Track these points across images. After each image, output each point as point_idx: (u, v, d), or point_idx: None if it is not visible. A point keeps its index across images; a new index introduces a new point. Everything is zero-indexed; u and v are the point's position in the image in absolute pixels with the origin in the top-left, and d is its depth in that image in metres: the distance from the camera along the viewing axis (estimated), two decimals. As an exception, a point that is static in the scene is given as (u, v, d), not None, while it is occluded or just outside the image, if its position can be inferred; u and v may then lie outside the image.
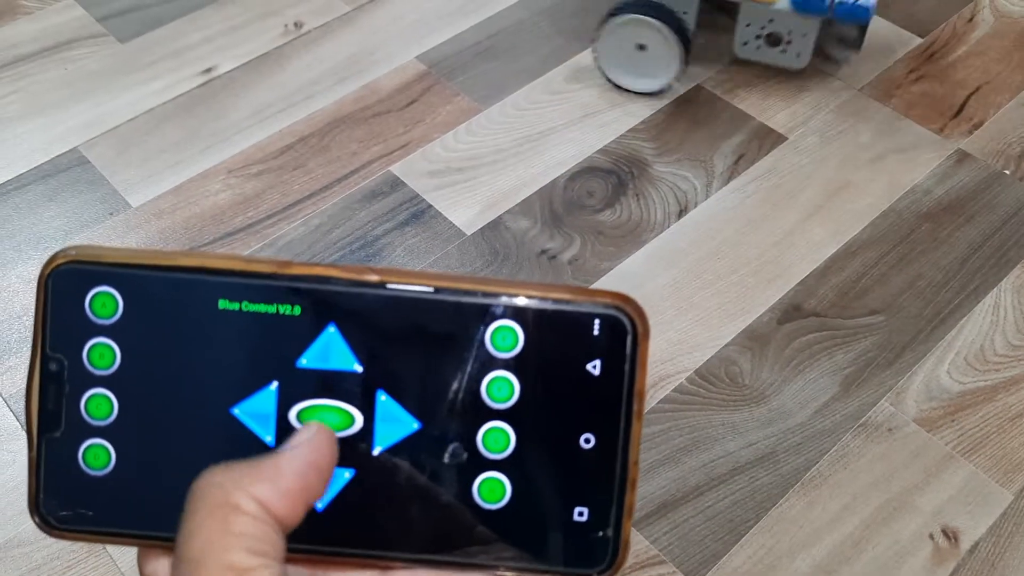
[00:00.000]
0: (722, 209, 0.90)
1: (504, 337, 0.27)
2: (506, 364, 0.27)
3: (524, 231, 0.89)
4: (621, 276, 0.85)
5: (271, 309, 0.27)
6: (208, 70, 1.03)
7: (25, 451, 0.73)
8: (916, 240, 0.88)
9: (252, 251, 0.87)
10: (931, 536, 0.70)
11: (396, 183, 0.93)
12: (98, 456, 0.27)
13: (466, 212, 0.90)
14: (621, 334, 0.27)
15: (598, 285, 0.84)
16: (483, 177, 0.93)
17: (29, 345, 0.79)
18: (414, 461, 0.27)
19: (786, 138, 0.96)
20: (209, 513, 0.24)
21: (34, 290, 0.83)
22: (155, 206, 0.90)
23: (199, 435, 0.27)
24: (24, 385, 0.76)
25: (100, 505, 0.28)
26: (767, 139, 0.96)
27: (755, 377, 0.78)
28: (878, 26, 1.08)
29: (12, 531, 0.69)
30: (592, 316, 0.27)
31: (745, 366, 0.79)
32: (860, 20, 0.92)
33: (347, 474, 0.27)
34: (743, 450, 0.74)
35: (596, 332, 0.27)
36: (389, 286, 0.27)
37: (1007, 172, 0.93)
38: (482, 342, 0.27)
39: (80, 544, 0.69)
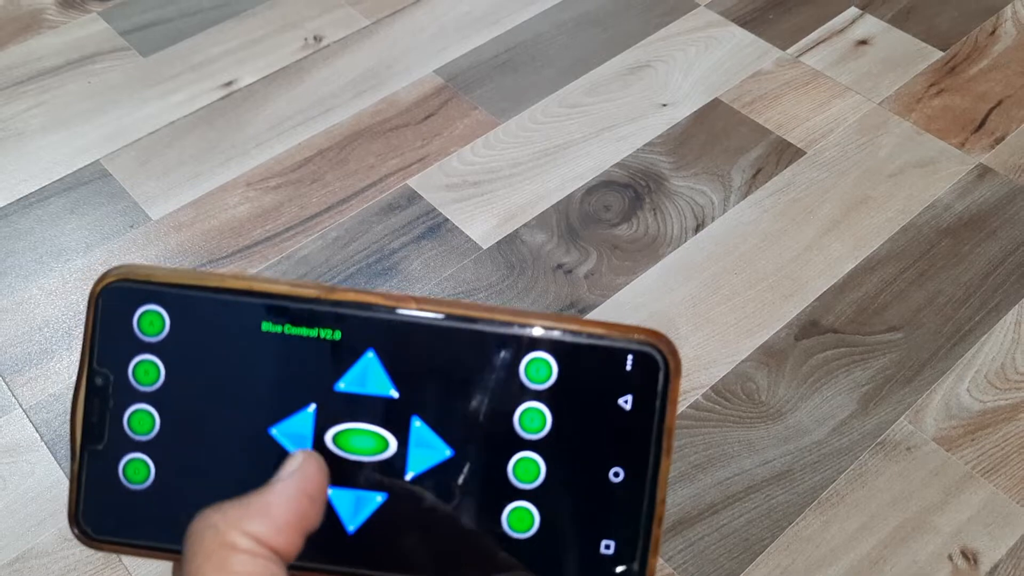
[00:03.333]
0: (739, 224, 0.90)
1: (538, 369, 0.27)
2: (539, 396, 0.27)
3: (540, 245, 0.89)
4: (637, 291, 0.85)
5: (312, 333, 0.27)
6: (228, 83, 1.04)
7: (43, 463, 0.74)
8: (936, 256, 0.87)
9: (269, 264, 0.87)
10: (950, 557, 0.69)
11: (413, 196, 0.93)
12: (138, 470, 0.28)
13: (482, 226, 0.90)
14: (653, 370, 0.27)
15: (614, 299, 0.84)
16: (500, 191, 0.93)
17: (49, 357, 0.80)
18: (445, 487, 0.28)
19: (805, 152, 0.96)
20: (207, 556, 0.24)
21: (55, 302, 0.84)
22: (174, 219, 0.91)
23: (237, 453, 0.28)
24: (42, 397, 0.77)
25: (138, 518, 0.28)
26: (785, 153, 0.95)
27: (772, 394, 0.78)
28: (898, 39, 1.07)
29: (31, 541, 0.70)
30: (625, 352, 0.27)
31: (762, 382, 0.78)
32: None
33: (379, 498, 0.28)
34: (759, 468, 0.73)
35: (629, 367, 0.27)
36: (428, 315, 0.27)
37: (1029, 187, 0.92)
38: (516, 373, 0.27)
39: (97, 557, 0.69)
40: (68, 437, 0.75)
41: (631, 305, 0.84)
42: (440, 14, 1.12)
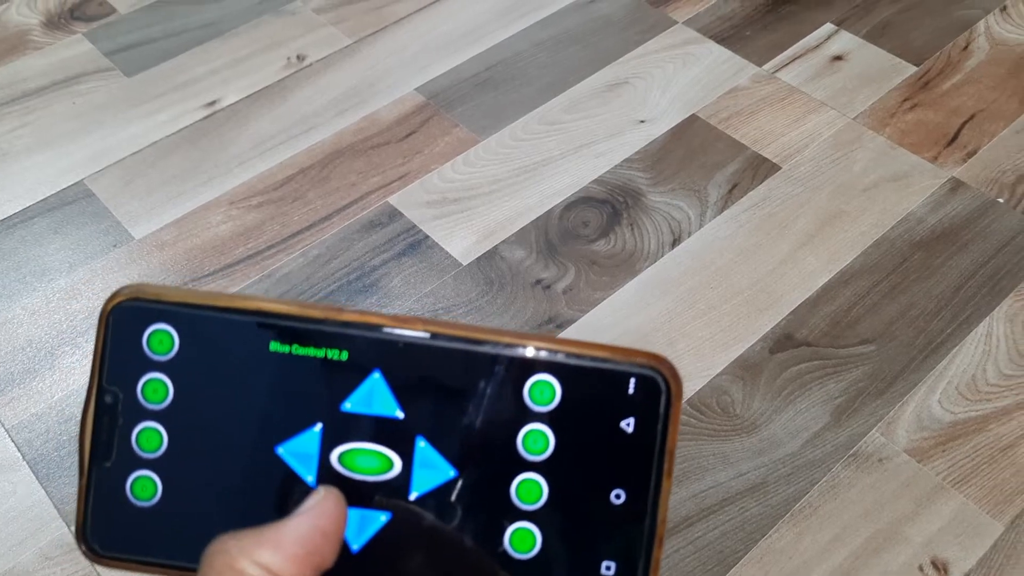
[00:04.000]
0: (716, 238, 0.91)
1: (542, 391, 0.28)
2: (543, 417, 0.28)
3: (519, 261, 0.90)
4: (615, 306, 0.86)
5: (320, 353, 0.28)
6: (212, 103, 1.05)
7: (24, 483, 0.74)
8: (909, 269, 0.88)
9: (251, 282, 0.88)
10: (921, 568, 0.70)
11: (394, 214, 0.94)
12: (145, 487, 0.28)
13: (462, 242, 0.91)
14: (655, 394, 0.28)
15: (591, 314, 0.85)
16: (480, 207, 0.94)
17: (32, 376, 0.80)
18: (449, 507, 0.28)
19: (780, 167, 0.97)
20: None
21: (38, 322, 0.85)
22: (157, 238, 0.92)
23: (243, 472, 0.28)
24: (24, 417, 0.78)
25: (145, 535, 0.29)
26: (761, 168, 0.97)
27: (747, 407, 0.79)
28: (873, 55, 1.09)
29: (12, 561, 0.71)
30: (628, 375, 0.28)
31: (737, 396, 0.79)
32: None
33: (383, 517, 0.28)
34: (733, 480, 0.74)
35: (631, 391, 0.28)
36: (434, 337, 0.28)
37: (1001, 200, 0.94)
38: (521, 395, 0.28)
39: None
40: (49, 457, 0.76)
41: (609, 320, 0.85)
42: (422, 33, 1.13)
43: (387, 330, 0.28)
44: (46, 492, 0.74)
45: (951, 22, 1.13)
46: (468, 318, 0.85)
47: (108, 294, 0.90)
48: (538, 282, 0.88)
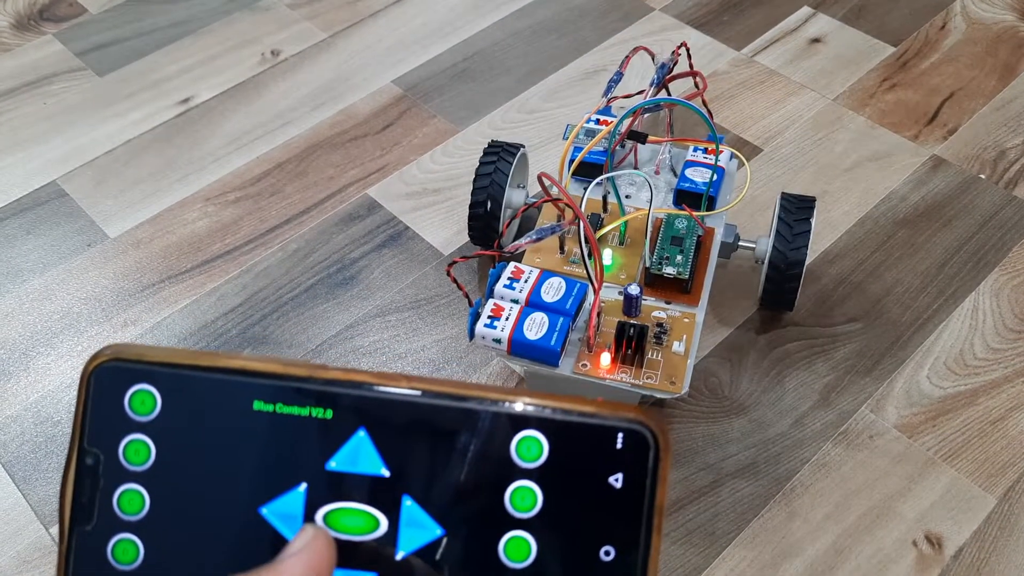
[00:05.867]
0: (699, 222, 0.90)
1: (529, 448, 0.27)
2: (530, 474, 0.27)
3: (501, 250, 0.88)
4: (599, 291, 0.85)
5: (304, 412, 0.28)
6: (186, 100, 1.04)
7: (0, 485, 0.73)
8: (893, 247, 0.88)
9: (229, 277, 0.87)
10: (915, 543, 0.69)
11: (373, 206, 0.93)
12: (127, 551, 0.28)
13: (443, 232, 0.90)
14: (643, 448, 0.27)
15: (576, 301, 0.84)
16: (460, 197, 0.93)
17: (6, 378, 0.79)
18: (436, 567, 0.28)
19: (761, 150, 0.97)
20: None
21: (11, 323, 0.83)
22: (133, 236, 0.90)
23: (227, 533, 0.28)
24: None
25: None
26: (743, 151, 0.96)
27: (735, 388, 0.78)
28: (851, 36, 1.09)
29: (-12, 565, 0.69)
30: (615, 430, 0.27)
31: (725, 377, 0.79)
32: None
33: None
34: (724, 461, 0.73)
35: (619, 446, 0.27)
36: (420, 394, 0.28)
37: (983, 176, 0.93)
38: (508, 452, 0.27)
39: (57, 576, 0.68)
40: (25, 459, 0.74)
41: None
42: (397, 26, 1.12)
43: (371, 388, 0.28)
44: (23, 495, 0.72)
45: (927, 3, 1.13)
46: (450, 307, 0.84)
47: (83, 295, 0.88)
48: (521, 270, 0.87)
